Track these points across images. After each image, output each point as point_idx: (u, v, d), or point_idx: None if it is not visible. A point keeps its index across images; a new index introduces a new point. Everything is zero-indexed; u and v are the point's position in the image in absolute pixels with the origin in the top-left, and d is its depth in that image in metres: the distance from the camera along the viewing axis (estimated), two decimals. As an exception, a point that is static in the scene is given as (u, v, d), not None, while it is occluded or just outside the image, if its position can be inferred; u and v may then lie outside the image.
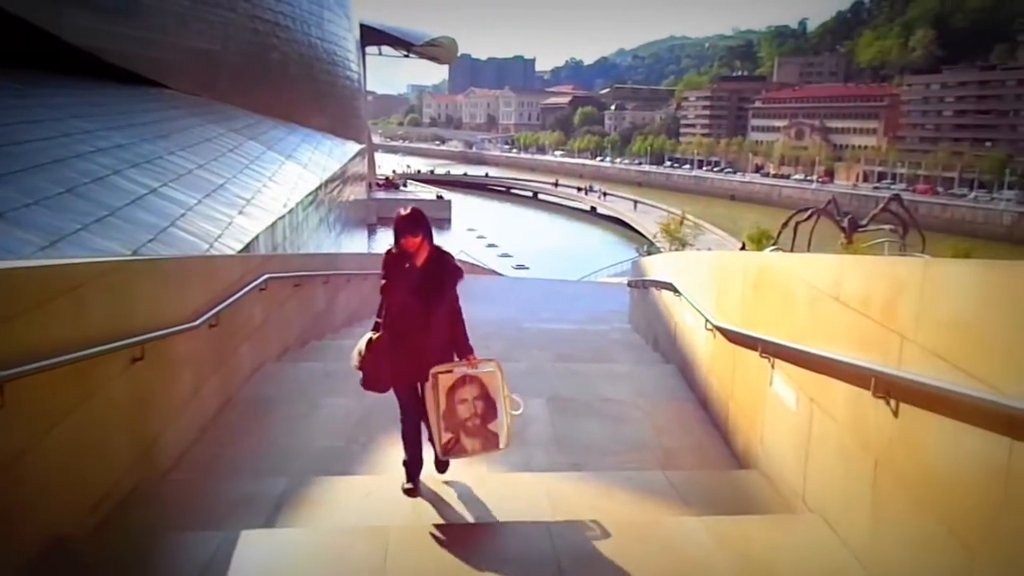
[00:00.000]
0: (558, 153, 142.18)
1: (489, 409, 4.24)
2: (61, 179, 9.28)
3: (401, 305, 4.18)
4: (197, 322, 5.24)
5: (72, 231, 7.76)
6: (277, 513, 4.21)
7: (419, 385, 4.27)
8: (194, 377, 5.47)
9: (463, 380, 4.22)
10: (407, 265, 4.14)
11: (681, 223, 51.20)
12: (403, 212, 4.19)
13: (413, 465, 4.46)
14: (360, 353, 4.29)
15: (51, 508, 3.53)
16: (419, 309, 4.13)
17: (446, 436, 4.20)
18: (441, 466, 4.53)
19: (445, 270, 4.23)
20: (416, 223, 4.15)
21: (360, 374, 4.32)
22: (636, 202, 77.02)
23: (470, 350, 4.32)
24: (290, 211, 15.19)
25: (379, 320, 4.31)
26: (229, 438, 5.57)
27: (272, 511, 4.23)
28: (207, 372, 5.78)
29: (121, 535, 3.87)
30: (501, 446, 4.26)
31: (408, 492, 4.37)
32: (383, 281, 4.22)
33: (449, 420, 4.19)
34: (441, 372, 4.18)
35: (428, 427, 4.29)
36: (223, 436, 5.58)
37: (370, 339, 4.28)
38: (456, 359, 4.30)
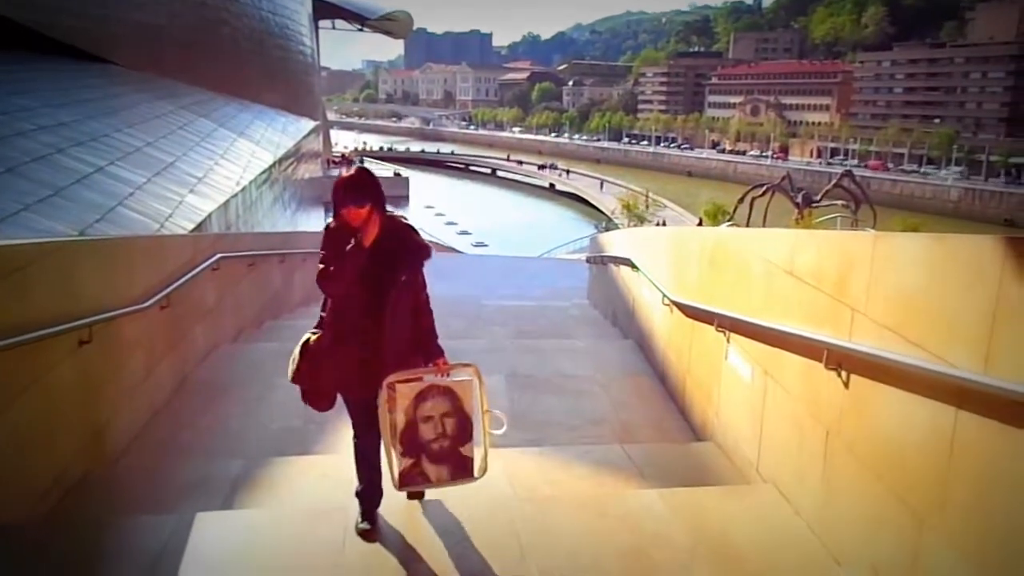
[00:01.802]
0: (516, 130, 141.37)
1: (462, 428, 3.37)
2: (0, 158, 8.94)
3: (345, 296, 3.27)
4: (147, 303, 5.12)
5: (13, 212, 7.49)
6: (233, 495, 4.16)
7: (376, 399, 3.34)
8: (146, 359, 5.35)
9: (429, 391, 3.32)
10: (351, 244, 3.18)
11: (647, 202, 51.47)
12: (345, 173, 3.26)
13: (369, 498, 3.55)
14: (294, 361, 3.42)
15: (-4, 496, 3.43)
16: (367, 300, 3.24)
17: (404, 462, 3.29)
18: (415, 492, 3.67)
19: (405, 248, 3.30)
20: (361, 188, 3.19)
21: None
22: (603, 181, 76.29)
23: (440, 352, 3.44)
24: (243, 189, 14.87)
25: (324, 315, 3.41)
26: (183, 421, 5.47)
27: (228, 493, 4.17)
28: (159, 354, 5.66)
29: (72, 522, 3.78)
30: (476, 475, 3.43)
31: (364, 534, 3.45)
32: (320, 265, 3.25)
33: (408, 442, 3.28)
34: (400, 381, 3.27)
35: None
36: (177, 419, 5.48)
37: (306, 340, 3.40)
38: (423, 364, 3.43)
